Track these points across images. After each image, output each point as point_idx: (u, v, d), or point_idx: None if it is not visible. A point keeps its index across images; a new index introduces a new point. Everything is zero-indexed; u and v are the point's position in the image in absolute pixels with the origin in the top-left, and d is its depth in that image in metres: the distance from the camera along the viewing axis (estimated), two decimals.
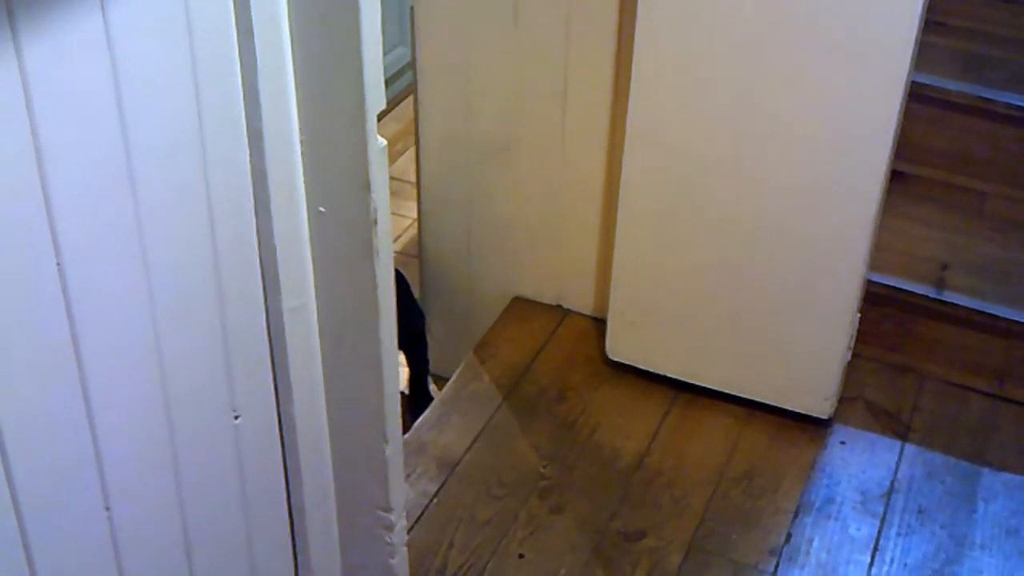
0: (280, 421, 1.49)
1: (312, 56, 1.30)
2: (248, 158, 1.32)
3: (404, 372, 2.36)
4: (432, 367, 2.46)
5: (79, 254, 1.13)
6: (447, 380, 2.31)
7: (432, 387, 2.43)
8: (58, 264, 1.11)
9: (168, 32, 1.17)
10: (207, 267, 1.31)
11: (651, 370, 2.24)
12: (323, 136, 1.34)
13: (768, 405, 2.18)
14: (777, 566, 1.92)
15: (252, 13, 1.24)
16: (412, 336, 2.36)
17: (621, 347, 2.25)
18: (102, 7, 1.09)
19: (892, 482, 2.08)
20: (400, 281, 2.32)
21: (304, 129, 1.35)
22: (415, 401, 2.37)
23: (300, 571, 1.61)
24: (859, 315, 2.10)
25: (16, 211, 1.06)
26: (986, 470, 2.11)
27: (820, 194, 1.95)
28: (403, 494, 1.59)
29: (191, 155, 1.24)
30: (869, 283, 2.12)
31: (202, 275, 1.30)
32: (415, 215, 2.49)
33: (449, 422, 2.16)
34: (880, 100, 1.84)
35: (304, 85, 1.32)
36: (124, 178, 1.16)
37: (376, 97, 1.30)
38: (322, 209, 1.39)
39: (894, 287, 2.32)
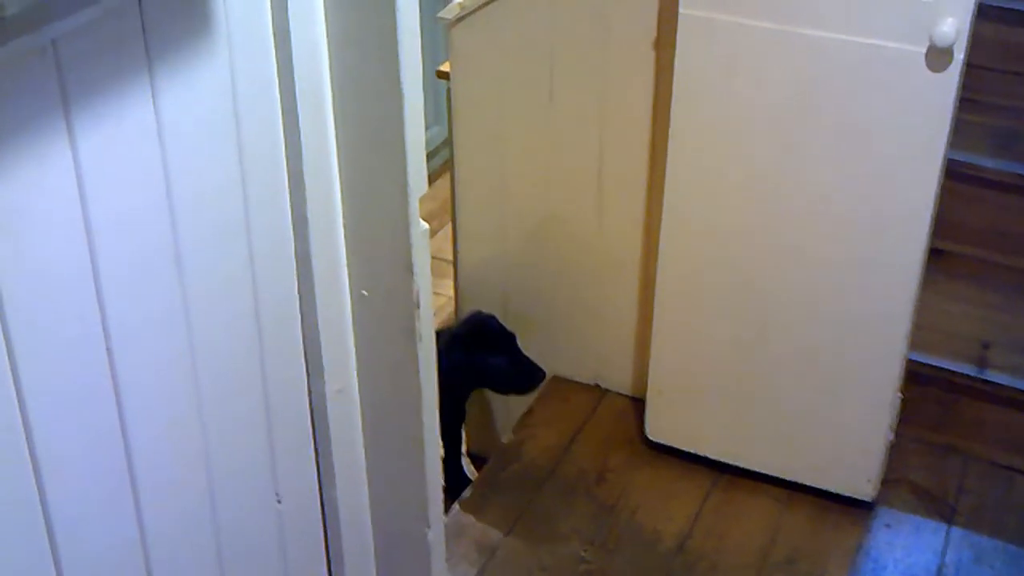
0: (322, 505, 1.48)
1: (355, 142, 1.32)
2: (293, 244, 1.33)
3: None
4: (470, 447, 2.45)
5: (127, 338, 1.14)
6: (485, 461, 2.29)
7: (470, 468, 2.42)
8: (108, 349, 1.12)
9: (216, 122, 1.19)
10: (252, 352, 1.31)
11: (691, 451, 2.22)
12: (366, 221, 1.36)
13: (810, 487, 2.15)
14: None
15: (297, 101, 1.26)
16: (454, 413, 2.32)
17: (661, 427, 2.23)
18: (153, 98, 1.11)
19: (940, 567, 2.04)
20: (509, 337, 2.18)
21: (347, 214, 1.36)
22: (447, 481, 2.34)
23: None
24: (900, 395, 2.08)
25: (67, 296, 1.07)
26: None
27: (860, 272, 1.95)
28: None
29: (238, 241, 1.26)
30: (910, 362, 2.10)
31: (247, 359, 1.31)
32: (451, 293, 2.49)
33: (488, 504, 2.15)
34: (918, 177, 1.84)
35: (347, 171, 1.34)
36: (172, 264, 1.18)
37: (419, 181, 1.32)
38: (365, 293, 1.40)
39: (936, 366, 2.29)
